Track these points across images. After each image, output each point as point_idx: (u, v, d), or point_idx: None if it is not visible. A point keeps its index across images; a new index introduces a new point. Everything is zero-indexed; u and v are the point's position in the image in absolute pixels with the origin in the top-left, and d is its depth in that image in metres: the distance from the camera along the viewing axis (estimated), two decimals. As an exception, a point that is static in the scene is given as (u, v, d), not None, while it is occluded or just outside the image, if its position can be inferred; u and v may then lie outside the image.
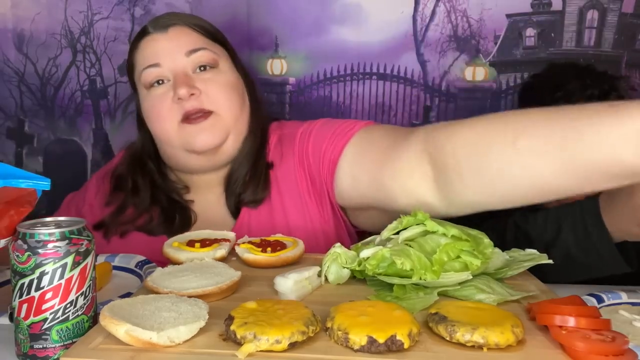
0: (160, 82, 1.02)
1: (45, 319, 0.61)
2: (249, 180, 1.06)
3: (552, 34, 1.55)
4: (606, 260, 0.89)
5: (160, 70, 1.02)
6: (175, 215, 1.06)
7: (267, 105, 1.58)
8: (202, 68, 1.02)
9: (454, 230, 0.78)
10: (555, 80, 1.26)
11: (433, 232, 0.79)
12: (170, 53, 1.01)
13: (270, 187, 1.05)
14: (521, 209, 1.05)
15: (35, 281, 0.61)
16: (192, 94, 0.99)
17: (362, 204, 0.99)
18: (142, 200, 1.08)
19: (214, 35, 1.07)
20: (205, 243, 0.90)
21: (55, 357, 0.62)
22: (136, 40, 1.07)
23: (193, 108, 0.99)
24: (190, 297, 0.68)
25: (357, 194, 0.96)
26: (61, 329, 0.62)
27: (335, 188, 0.99)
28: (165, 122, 1.02)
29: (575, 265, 0.93)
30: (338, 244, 0.83)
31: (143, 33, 1.06)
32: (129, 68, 1.09)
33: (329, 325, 0.62)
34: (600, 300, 0.85)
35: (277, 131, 1.12)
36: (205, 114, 1.00)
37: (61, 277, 0.61)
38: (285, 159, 1.06)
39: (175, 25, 1.03)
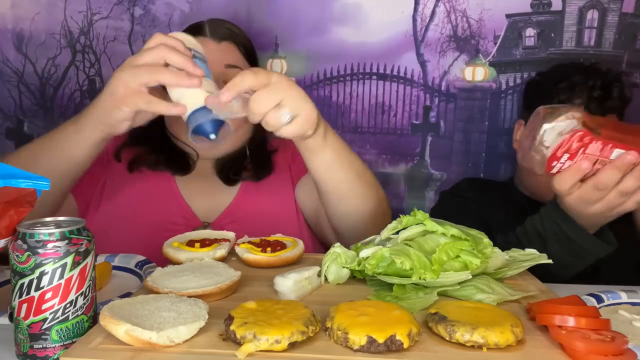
0: None
1: (45, 319, 0.61)
2: (250, 164, 1.24)
3: (552, 34, 1.55)
4: (593, 252, 0.97)
5: None
6: (179, 158, 1.20)
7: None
8: None
9: (453, 229, 0.78)
10: (560, 75, 1.30)
11: (432, 232, 0.79)
12: (214, 60, 1.15)
13: (273, 167, 1.27)
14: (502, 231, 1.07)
15: (35, 281, 0.61)
16: None
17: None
18: (152, 142, 1.22)
19: (251, 56, 1.26)
20: (205, 243, 0.90)
21: (55, 357, 0.62)
22: (191, 34, 1.22)
23: None
24: (190, 297, 0.68)
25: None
26: (61, 329, 0.62)
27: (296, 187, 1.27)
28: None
29: (569, 267, 0.99)
30: (338, 244, 0.83)
31: (200, 31, 1.21)
32: None
33: (328, 325, 0.62)
34: (600, 300, 0.85)
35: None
36: None
37: (61, 277, 0.61)
38: (285, 150, 1.30)
39: (228, 40, 1.21)
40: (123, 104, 0.86)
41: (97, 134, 0.91)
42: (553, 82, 1.29)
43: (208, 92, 0.85)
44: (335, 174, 0.97)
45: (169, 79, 0.85)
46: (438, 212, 1.39)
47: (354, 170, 0.99)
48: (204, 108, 0.85)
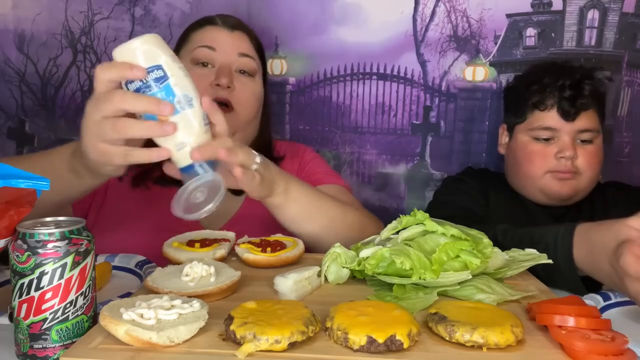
0: (206, 64, 1.17)
1: (45, 319, 0.61)
2: None
3: (553, 34, 1.55)
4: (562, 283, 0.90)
5: (213, 55, 1.17)
6: None
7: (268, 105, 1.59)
8: (243, 72, 1.20)
9: (453, 229, 0.78)
10: (533, 77, 1.31)
11: (432, 232, 0.79)
12: (227, 47, 1.18)
13: None
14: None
15: (35, 281, 0.61)
16: (229, 87, 1.15)
17: None
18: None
19: (261, 51, 1.26)
20: (205, 243, 0.90)
21: (55, 357, 0.62)
22: (200, 24, 1.22)
23: (223, 97, 1.14)
24: (190, 297, 0.68)
25: None
26: (61, 329, 0.62)
27: None
28: None
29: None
30: (338, 244, 0.83)
31: (209, 21, 1.21)
32: (180, 41, 1.24)
33: (328, 325, 0.62)
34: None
35: (282, 142, 1.36)
36: (228, 107, 1.15)
37: (61, 277, 0.61)
38: (292, 159, 1.31)
39: (239, 30, 1.22)
40: (101, 164, 0.78)
41: (98, 179, 0.86)
42: (525, 85, 1.30)
43: (186, 121, 0.73)
44: (303, 225, 0.98)
45: (138, 133, 0.73)
46: (440, 193, 1.41)
47: (326, 218, 1.00)
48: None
